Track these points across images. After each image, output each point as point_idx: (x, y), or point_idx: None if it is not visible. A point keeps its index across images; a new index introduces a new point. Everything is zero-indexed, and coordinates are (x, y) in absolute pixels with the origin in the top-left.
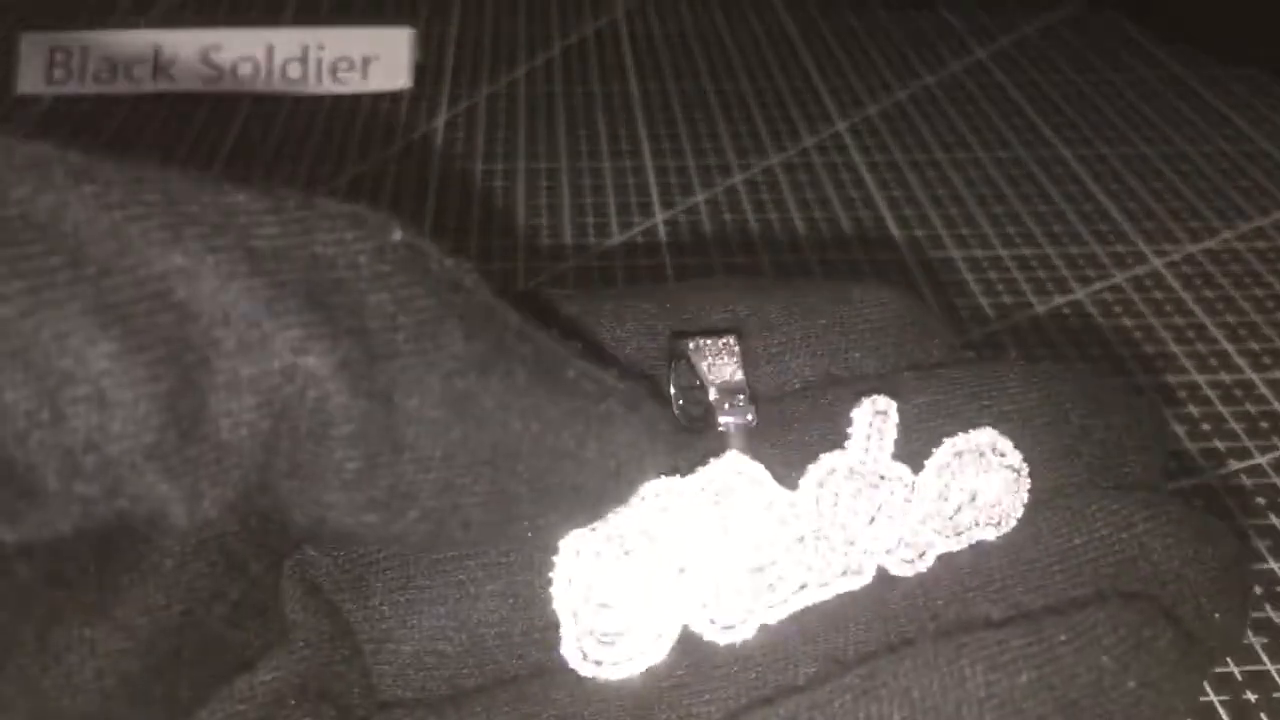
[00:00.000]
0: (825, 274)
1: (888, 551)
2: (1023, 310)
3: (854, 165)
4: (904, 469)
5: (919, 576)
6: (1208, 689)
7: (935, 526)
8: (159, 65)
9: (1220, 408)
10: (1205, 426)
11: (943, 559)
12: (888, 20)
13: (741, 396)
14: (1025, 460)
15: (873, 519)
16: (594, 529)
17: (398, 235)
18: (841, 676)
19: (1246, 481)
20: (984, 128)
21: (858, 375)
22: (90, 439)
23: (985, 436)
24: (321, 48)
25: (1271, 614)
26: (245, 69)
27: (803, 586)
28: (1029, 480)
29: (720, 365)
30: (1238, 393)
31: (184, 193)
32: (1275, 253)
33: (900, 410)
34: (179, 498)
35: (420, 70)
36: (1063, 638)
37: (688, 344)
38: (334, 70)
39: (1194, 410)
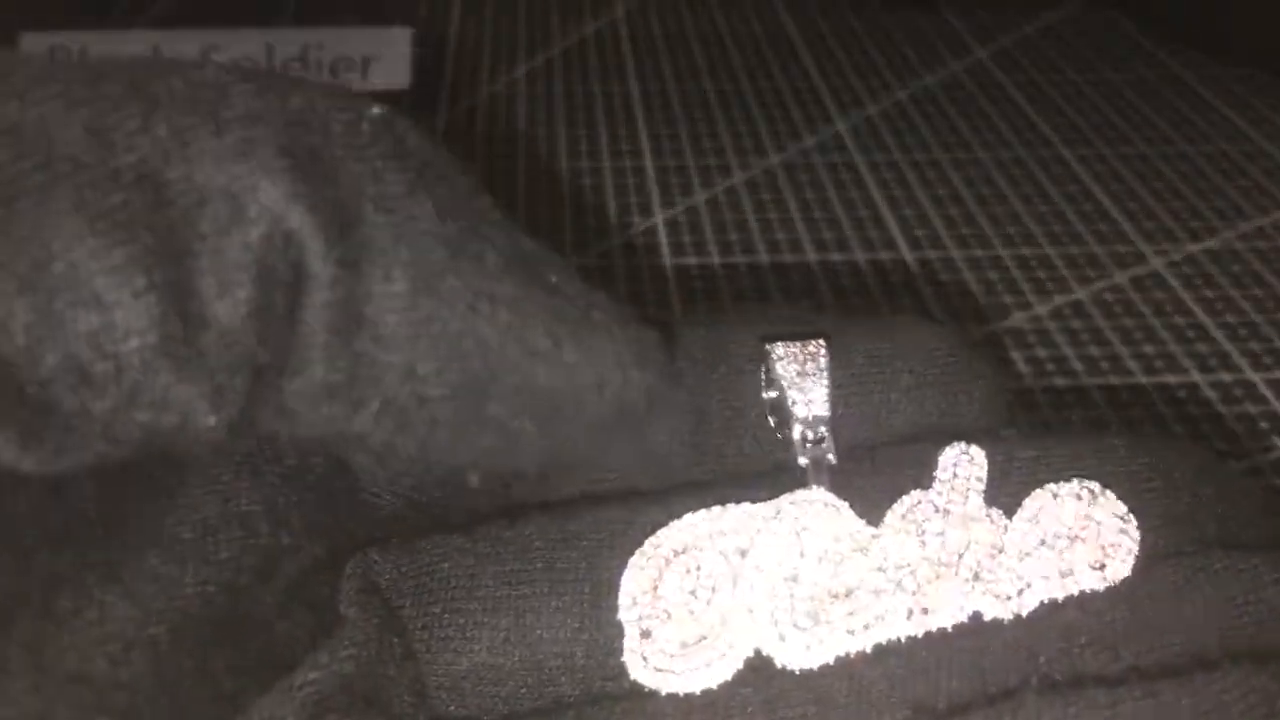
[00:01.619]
0: (825, 274)
1: (981, 589)
2: (1023, 310)
3: (854, 165)
4: (996, 511)
5: (1021, 627)
6: None
7: (1033, 568)
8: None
9: (1220, 408)
10: (1205, 426)
11: (1048, 610)
12: (888, 20)
13: (824, 429)
14: (1131, 511)
15: (961, 555)
16: (658, 545)
17: (375, 109)
18: None
19: None
20: (984, 128)
21: (914, 419)
22: (96, 343)
23: (1086, 483)
24: (321, 48)
25: None
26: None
27: (885, 616)
28: (1138, 529)
29: (807, 380)
30: (1238, 392)
31: (148, 78)
32: (1275, 253)
33: (991, 458)
34: (200, 394)
35: (420, 70)
36: (1185, 702)
37: (775, 347)
38: (334, 70)
39: (1194, 410)
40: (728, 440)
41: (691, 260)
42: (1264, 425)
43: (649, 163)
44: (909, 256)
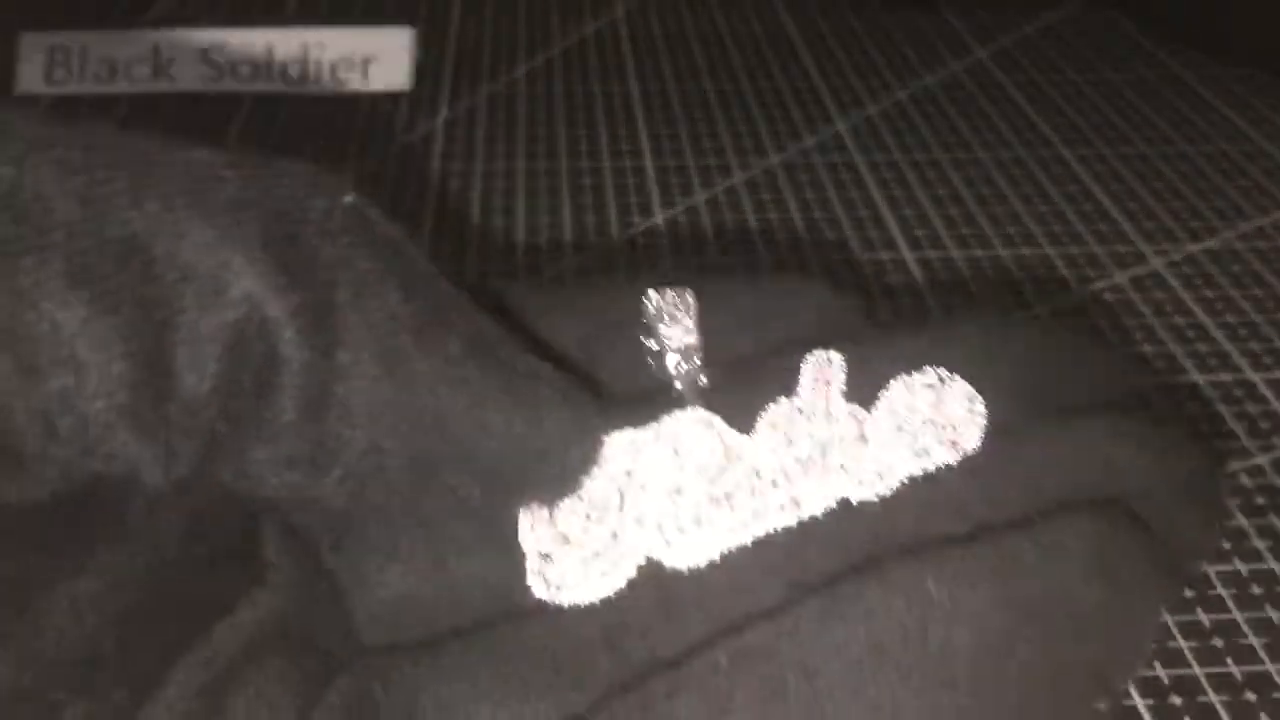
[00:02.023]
0: (824, 274)
1: (846, 478)
2: (1023, 310)
3: (854, 165)
4: (855, 407)
5: (883, 506)
6: (1208, 689)
7: (893, 452)
8: (159, 65)
9: (1220, 408)
10: (1205, 427)
11: (905, 486)
12: (888, 20)
13: (696, 358)
14: (980, 391)
15: (826, 451)
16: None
17: (349, 198)
18: (806, 600)
19: (1247, 481)
20: (984, 128)
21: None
22: (66, 401)
23: (935, 371)
24: (321, 48)
25: (1271, 614)
26: (245, 69)
27: (762, 513)
28: (984, 407)
29: (677, 317)
30: (1238, 393)
31: (143, 154)
32: (1276, 253)
33: (849, 360)
34: (154, 456)
35: (420, 70)
36: (1026, 547)
37: (649, 295)
38: (334, 70)
39: (1194, 410)
40: (615, 384)
41: (692, 260)
42: (1264, 425)
43: (649, 163)
44: (909, 256)
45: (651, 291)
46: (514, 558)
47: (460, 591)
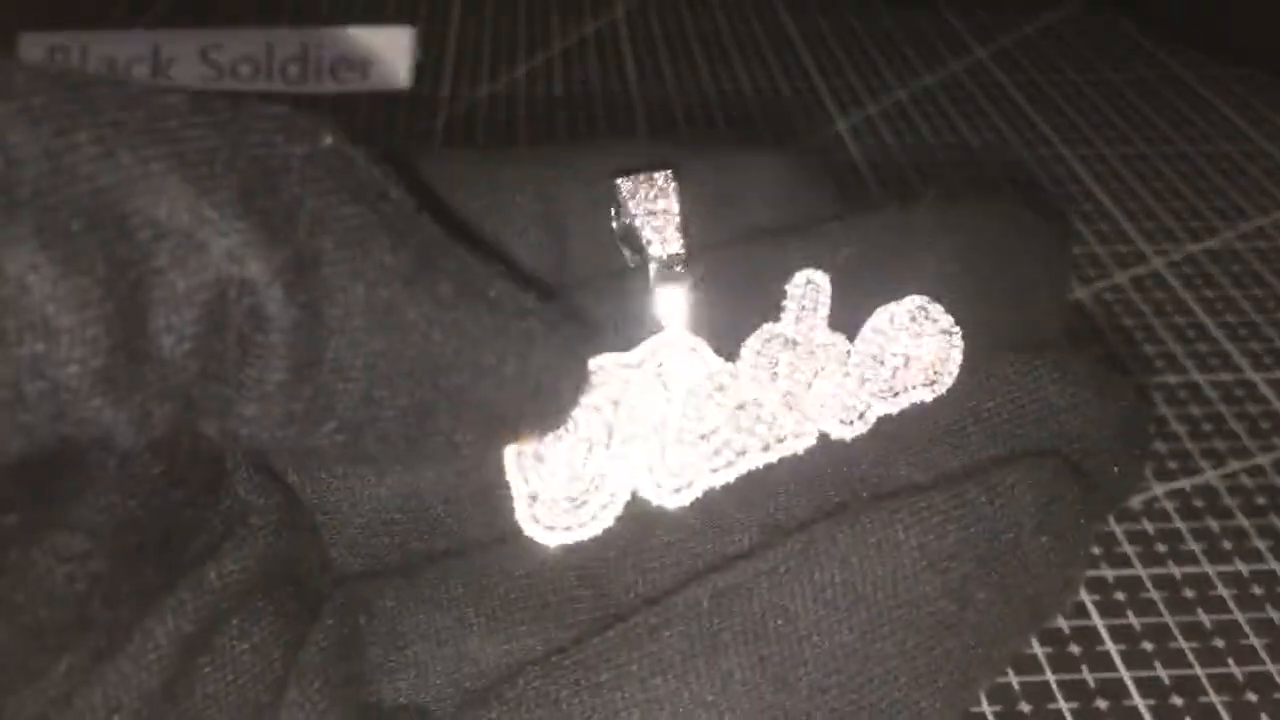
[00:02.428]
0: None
1: (828, 414)
2: None
3: (854, 165)
4: (839, 337)
5: (857, 444)
6: (1208, 689)
7: (873, 389)
8: (159, 65)
9: (1221, 408)
10: (1206, 426)
11: (879, 423)
12: (888, 20)
13: (679, 266)
14: (956, 323)
15: (810, 384)
16: None
17: (328, 140)
18: (783, 544)
19: (1248, 481)
20: (984, 127)
21: (777, 227)
22: (36, 367)
23: (916, 301)
24: (321, 48)
25: (1272, 614)
26: (245, 69)
27: (744, 452)
28: (962, 342)
29: (656, 204)
30: (1239, 393)
31: (112, 103)
32: (1276, 252)
33: (834, 281)
34: (126, 420)
35: (420, 70)
36: (983, 499)
37: (623, 184)
38: (334, 70)
39: (1195, 410)
40: (586, 266)
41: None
42: (1265, 425)
43: None
44: None
45: (624, 180)
46: (489, 472)
47: (432, 511)
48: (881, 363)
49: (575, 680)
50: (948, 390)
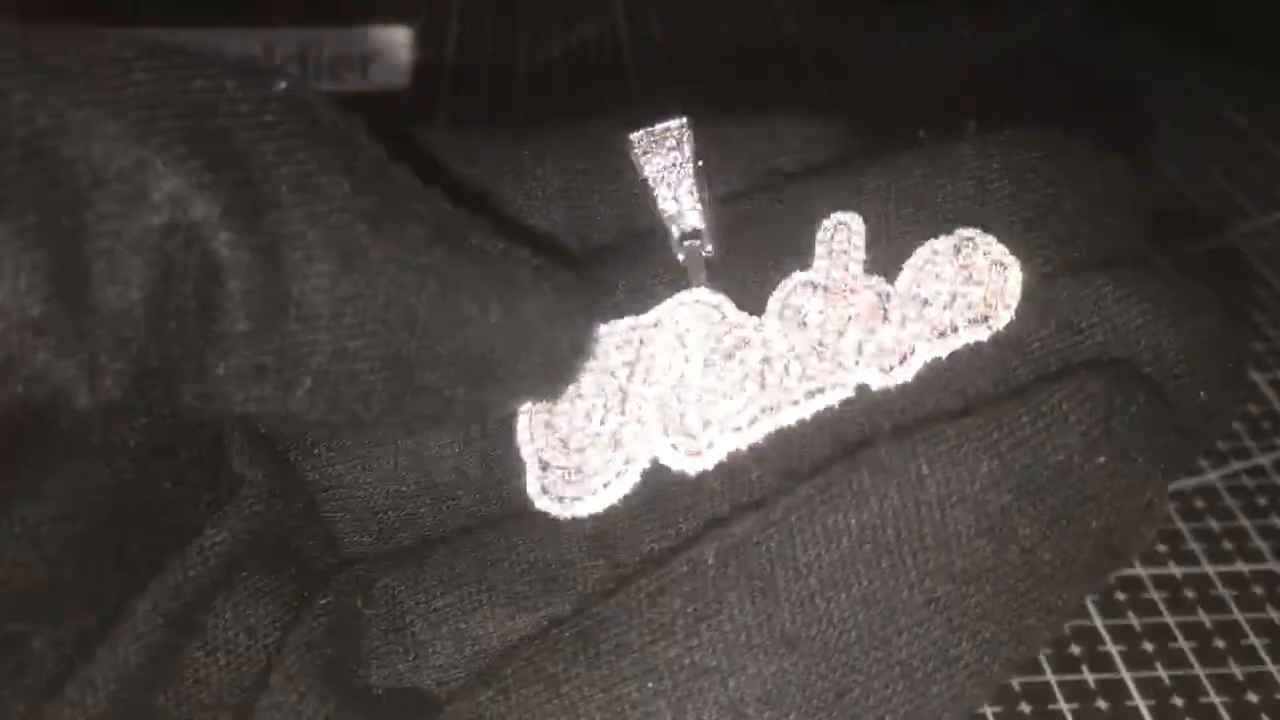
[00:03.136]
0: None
1: (866, 362)
2: None
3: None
4: (877, 279)
5: (899, 389)
6: (1209, 689)
7: (917, 331)
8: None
9: None
10: None
11: (926, 369)
12: (888, 20)
13: (698, 225)
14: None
15: (843, 331)
16: None
17: (283, 85)
18: (795, 489)
19: (1248, 481)
20: (985, 126)
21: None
22: None
23: (963, 233)
24: (321, 48)
25: (1273, 614)
26: None
27: (773, 408)
28: (1019, 272)
29: (672, 165)
30: (1240, 393)
31: (46, 46)
32: (1277, 252)
33: (868, 220)
34: (77, 376)
35: (420, 70)
36: (1024, 419)
37: (635, 138)
38: (333, 70)
39: None
40: (607, 233)
41: None
42: (1266, 425)
43: None
44: None
45: (636, 135)
46: (496, 442)
47: (439, 482)
48: (926, 302)
49: (573, 653)
50: (1000, 327)
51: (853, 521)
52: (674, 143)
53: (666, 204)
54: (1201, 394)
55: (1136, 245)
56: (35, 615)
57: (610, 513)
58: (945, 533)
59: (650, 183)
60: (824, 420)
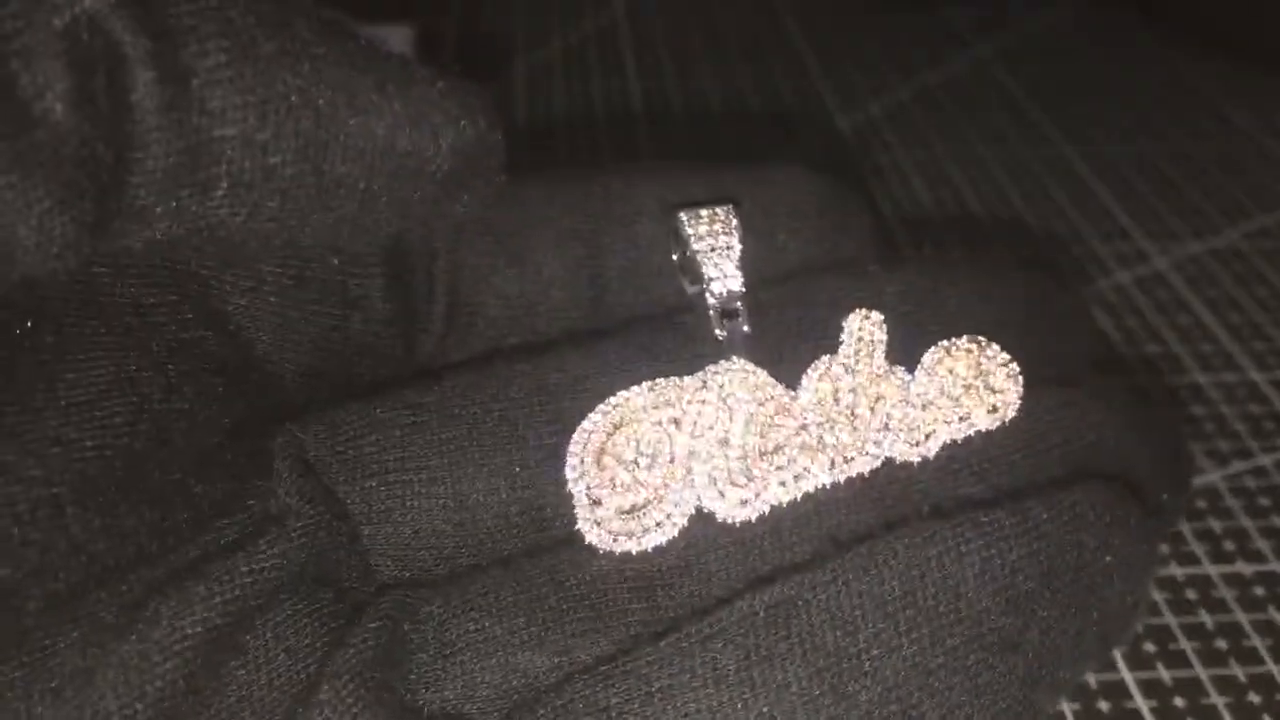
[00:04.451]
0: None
1: (892, 438)
2: None
3: (855, 164)
4: (899, 368)
5: (922, 467)
6: (1210, 690)
7: (937, 414)
8: None
9: (1223, 408)
10: (1209, 427)
11: (944, 449)
12: (889, 18)
13: (738, 303)
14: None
15: (873, 409)
16: (597, 420)
17: None
18: (840, 555)
19: (1250, 482)
20: (986, 126)
21: (799, 261)
22: None
23: (973, 338)
24: None
25: (1274, 615)
26: None
27: (809, 471)
28: (1020, 373)
29: (719, 247)
30: (1241, 393)
31: None
32: (1277, 252)
33: (889, 319)
34: (49, 195)
35: None
36: (1046, 515)
37: (684, 216)
38: None
39: (1198, 410)
40: (624, 292)
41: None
42: (1268, 425)
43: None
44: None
45: (685, 214)
46: (541, 488)
47: (481, 525)
48: (942, 391)
49: (626, 689)
50: (1007, 419)
51: (898, 589)
52: (722, 226)
53: (714, 285)
54: (1165, 496)
55: (1090, 366)
56: (36, 592)
57: (655, 555)
58: (978, 608)
59: (699, 262)
60: (858, 491)
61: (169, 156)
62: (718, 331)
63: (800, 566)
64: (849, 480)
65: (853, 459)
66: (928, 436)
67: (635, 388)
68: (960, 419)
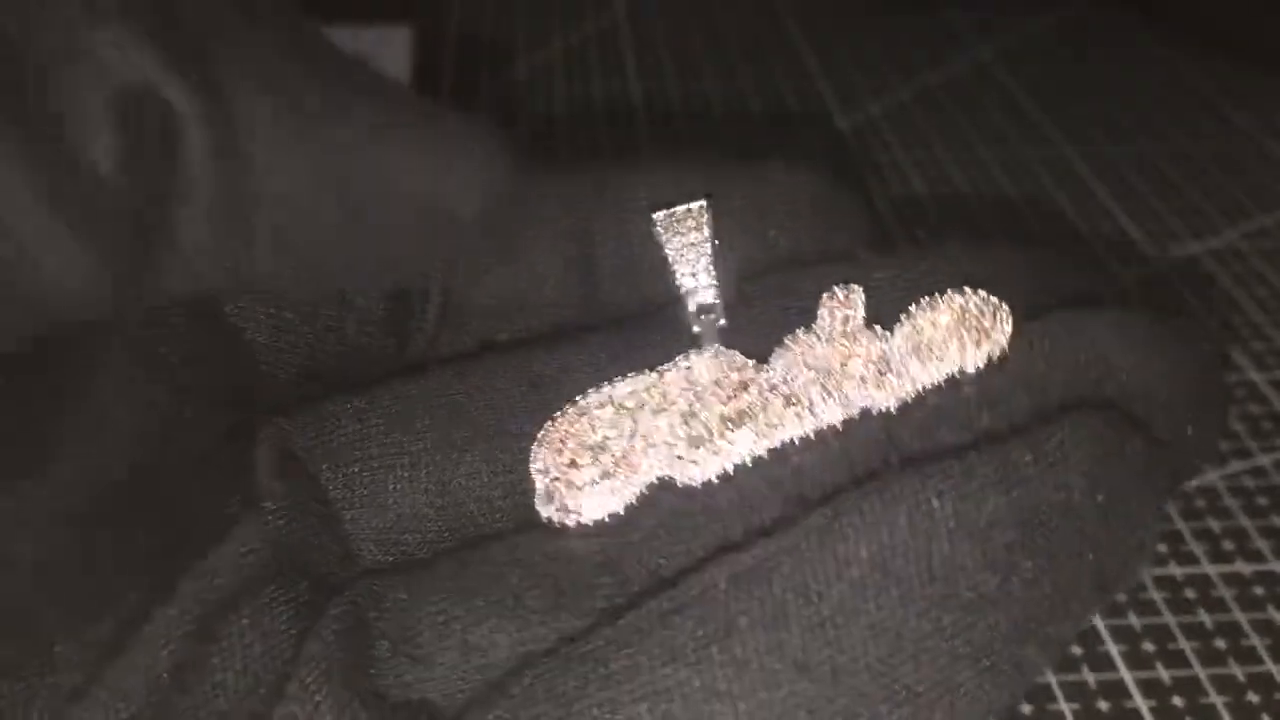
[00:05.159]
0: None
1: (866, 385)
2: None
3: (855, 164)
4: (879, 329)
5: (896, 413)
6: (1209, 689)
7: (916, 360)
8: None
9: None
10: None
11: (922, 393)
12: (889, 19)
13: (713, 299)
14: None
15: (845, 364)
16: (574, 404)
17: None
18: (806, 518)
19: (1249, 482)
20: (986, 126)
21: (791, 257)
22: None
23: (958, 292)
24: None
25: (1274, 615)
26: None
27: (777, 425)
28: (1008, 310)
29: (691, 243)
30: (1240, 393)
31: None
32: (1277, 252)
33: (867, 290)
34: (93, 247)
35: (420, 70)
36: (1029, 458)
37: (658, 218)
38: None
39: None
40: (616, 289)
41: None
42: (1267, 425)
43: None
44: None
45: (659, 215)
46: (521, 473)
47: (464, 510)
48: (920, 331)
49: (584, 673)
50: (995, 356)
51: (863, 550)
52: (694, 224)
53: (684, 280)
54: (1189, 428)
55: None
56: (52, 611)
57: (618, 526)
58: (953, 565)
59: (670, 260)
60: (832, 448)
61: (215, 212)
62: (694, 327)
63: (767, 531)
64: (821, 435)
65: (821, 410)
66: (904, 382)
67: (608, 385)
68: (940, 357)
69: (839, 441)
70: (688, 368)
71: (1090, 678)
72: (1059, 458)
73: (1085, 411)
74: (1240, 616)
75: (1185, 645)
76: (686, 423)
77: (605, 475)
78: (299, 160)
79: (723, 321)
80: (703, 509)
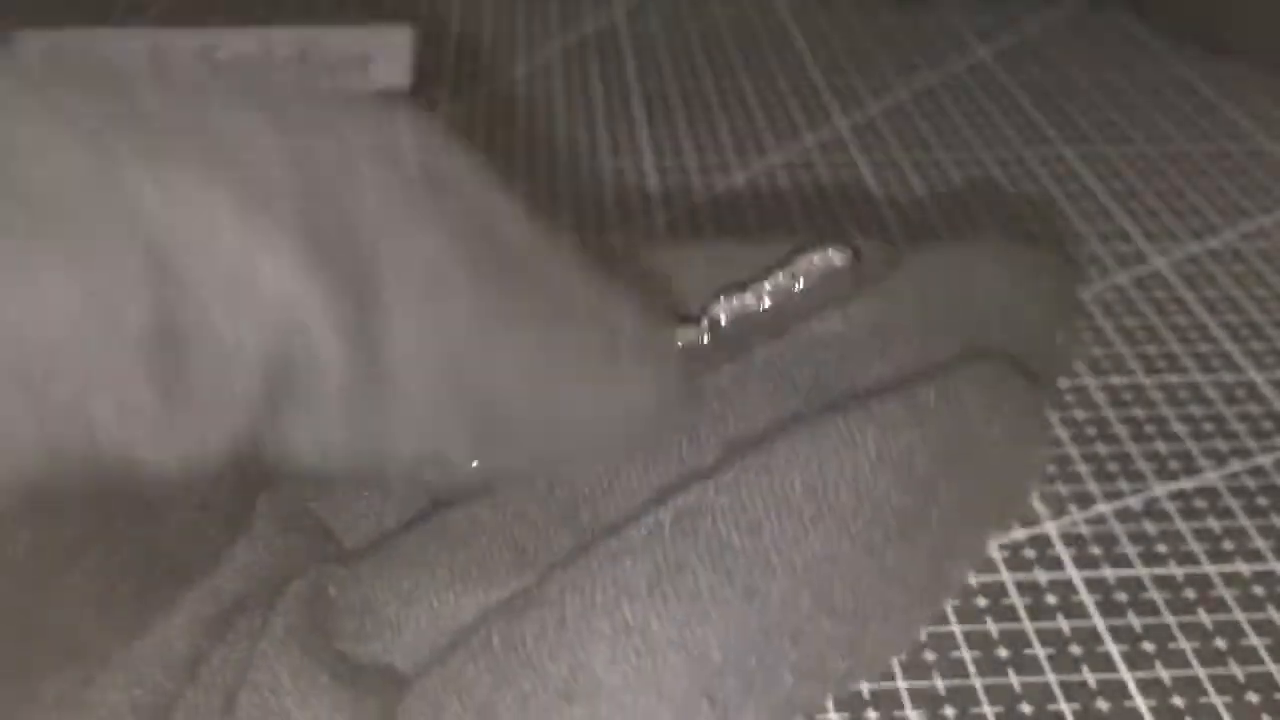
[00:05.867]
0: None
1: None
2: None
3: (855, 164)
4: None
5: (808, 351)
6: (1209, 689)
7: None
8: (158, 65)
9: (1222, 408)
10: (1208, 427)
11: (819, 338)
12: (889, 19)
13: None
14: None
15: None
16: None
17: (373, 113)
18: (742, 458)
19: (1249, 482)
20: (985, 126)
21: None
22: (73, 404)
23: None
24: (321, 47)
25: (1274, 615)
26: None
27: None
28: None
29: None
30: (1240, 393)
31: (156, 110)
32: (1278, 252)
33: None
34: (164, 460)
35: (420, 69)
36: (934, 397)
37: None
38: (333, 70)
39: (1196, 410)
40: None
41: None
42: (1267, 425)
43: (649, 163)
44: None
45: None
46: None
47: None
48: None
49: (540, 619)
50: (895, 290)
51: (798, 484)
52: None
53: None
54: (1058, 338)
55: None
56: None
57: (563, 479)
58: (878, 492)
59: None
60: (767, 391)
61: (349, 440)
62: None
63: (704, 472)
64: (738, 376)
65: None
66: (760, 283)
67: None
68: (795, 262)
69: (758, 382)
70: None
71: (1090, 678)
72: (958, 398)
73: (979, 360)
74: (1240, 616)
75: (1185, 645)
76: None
77: None
78: (445, 391)
79: (705, 339)
80: (649, 454)
